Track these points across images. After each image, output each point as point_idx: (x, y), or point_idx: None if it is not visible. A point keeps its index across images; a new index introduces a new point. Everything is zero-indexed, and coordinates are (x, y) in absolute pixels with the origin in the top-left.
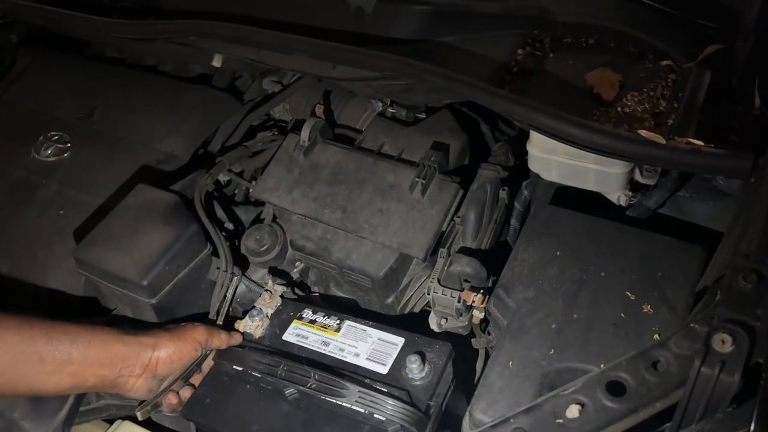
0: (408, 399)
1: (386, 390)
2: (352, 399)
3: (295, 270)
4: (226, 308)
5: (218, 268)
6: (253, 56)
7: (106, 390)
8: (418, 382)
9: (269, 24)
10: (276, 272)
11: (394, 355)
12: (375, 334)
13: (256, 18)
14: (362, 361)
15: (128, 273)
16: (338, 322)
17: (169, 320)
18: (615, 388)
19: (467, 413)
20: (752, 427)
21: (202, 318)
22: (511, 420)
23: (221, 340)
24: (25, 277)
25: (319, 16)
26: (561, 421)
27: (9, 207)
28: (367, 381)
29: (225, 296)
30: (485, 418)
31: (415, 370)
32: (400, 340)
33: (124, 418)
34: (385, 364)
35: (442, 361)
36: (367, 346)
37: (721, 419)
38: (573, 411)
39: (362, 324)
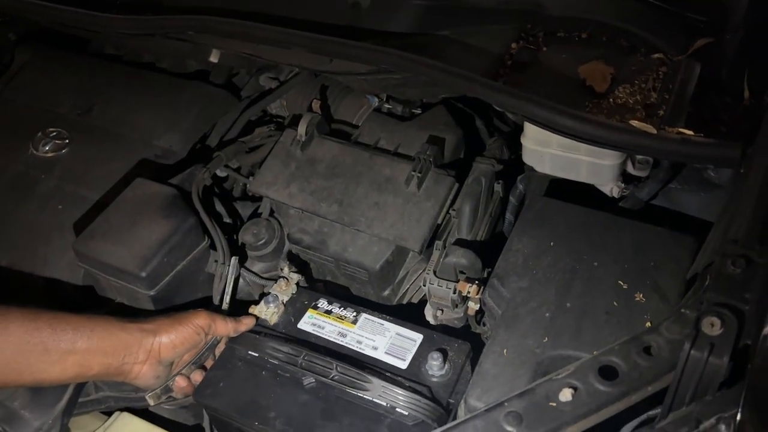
0: (429, 395)
1: (408, 385)
2: (375, 393)
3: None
4: (229, 294)
5: (216, 261)
6: (250, 51)
7: (111, 378)
8: (437, 379)
9: (266, 19)
10: (293, 259)
11: (413, 351)
12: (393, 328)
13: (253, 13)
14: (381, 355)
15: (127, 265)
16: (355, 314)
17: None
18: (607, 373)
19: (462, 400)
20: (740, 409)
21: (207, 305)
22: (505, 404)
23: (227, 326)
24: (24, 271)
25: (316, 11)
26: (554, 404)
27: (8, 202)
28: (388, 375)
29: (226, 283)
30: (480, 405)
31: (436, 367)
32: (418, 336)
33: (122, 410)
34: (404, 359)
35: (461, 359)
36: (386, 341)
37: (710, 401)
38: (566, 394)
39: (379, 318)
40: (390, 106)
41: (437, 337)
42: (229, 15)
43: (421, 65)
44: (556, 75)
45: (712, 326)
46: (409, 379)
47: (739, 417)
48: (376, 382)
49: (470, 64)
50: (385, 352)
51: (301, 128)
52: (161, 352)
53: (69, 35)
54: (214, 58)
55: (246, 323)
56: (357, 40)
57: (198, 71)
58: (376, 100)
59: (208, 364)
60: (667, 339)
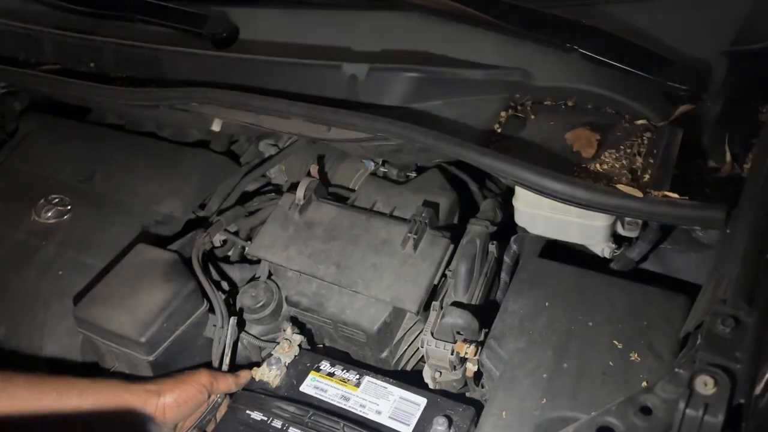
0: None
1: None
2: None
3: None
4: (228, 356)
5: (215, 325)
6: (252, 121)
7: None
8: None
9: (267, 92)
10: (295, 321)
11: (417, 416)
12: (396, 392)
13: (254, 86)
14: (385, 420)
15: (127, 330)
16: (358, 377)
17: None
18: None
19: None
20: None
21: (206, 366)
22: None
23: (228, 382)
24: (23, 337)
25: (316, 84)
26: None
27: (9, 269)
28: None
29: (225, 344)
30: None
31: None
32: (422, 401)
33: None
34: (408, 425)
35: (466, 424)
36: (389, 405)
37: None
38: None
39: (382, 381)
40: (386, 170)
41: (441, 401)
42: (231, 87)
43: (415, 133)
44: (544, 141)
45: (706, 386)
46: None
47: None
48: None
49: (462, 131)
50: (389, 417)
51: (300, 192)
52: (166, 413)
53: (72, 105)
54: (216, 127)
55: (244, 376)
56: (355, 110)
57: (199, 140)
58: (372, 164)
59: (210, 427)
60: (662, 399)
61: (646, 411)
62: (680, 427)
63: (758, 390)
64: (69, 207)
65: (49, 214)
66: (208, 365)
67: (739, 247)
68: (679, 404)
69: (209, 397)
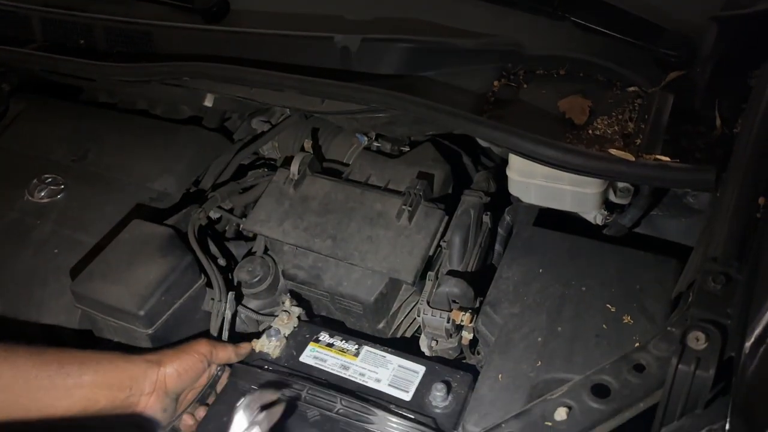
0: (434, 426)
1: (413, 417)
2: (380, 425)
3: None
4: (226, 330)
5: (212, 299)
6: (244, 95)
7: (119, 411)
8: (441, 410)
9: (259, 65)
10: (294, 293)
11: (416, 383)
12: (395, 360)
13: (246, 59)
14: (384, 387)
15: (125, 304)
16: (356, 347)
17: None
18: (600, 391)
19: (460, 427)
20: (728, 420)
21: (205, 336)
22: (503, 425)
23: (227, 352)
24: (21, 315)
25: (307, 56)
26: (550, 423)
27: (4, 248)
28: (392, 406)
29: (224, 319)
30: (477, 430)
31: (440, 398)
32: (420, 368)
33: None
34: (407, 391)
35: (464, 390)
36: (388, 373)
37: (700, 415)
38: (561, 414)
39: (381, 350)
40: (379, 144)
41: (439, 368)
42: (223, 61)
43: (408, 103)
44: (536, 110)
45: (697, 341)
46: (414, 410)
47: (727, 427)
48: (381, 415)
49: (455, 101)
50: (389, 384)
51: (294, 167)
52: (167, 383)
53: (63, 85)
54: (208, 102)
55: (245, 347)
56: (348, 82)
57: (191, 117)
58: (366, 138)
59: (211, 400)
60: (655, 356)
61: (639, 368)
62: (673, 382)
63: (747, 347)
64: (62, 186)
65: (43, 193)
66: (207, 336)
67: (729, 206)
68: (672, 360)
69: (209, 366)
